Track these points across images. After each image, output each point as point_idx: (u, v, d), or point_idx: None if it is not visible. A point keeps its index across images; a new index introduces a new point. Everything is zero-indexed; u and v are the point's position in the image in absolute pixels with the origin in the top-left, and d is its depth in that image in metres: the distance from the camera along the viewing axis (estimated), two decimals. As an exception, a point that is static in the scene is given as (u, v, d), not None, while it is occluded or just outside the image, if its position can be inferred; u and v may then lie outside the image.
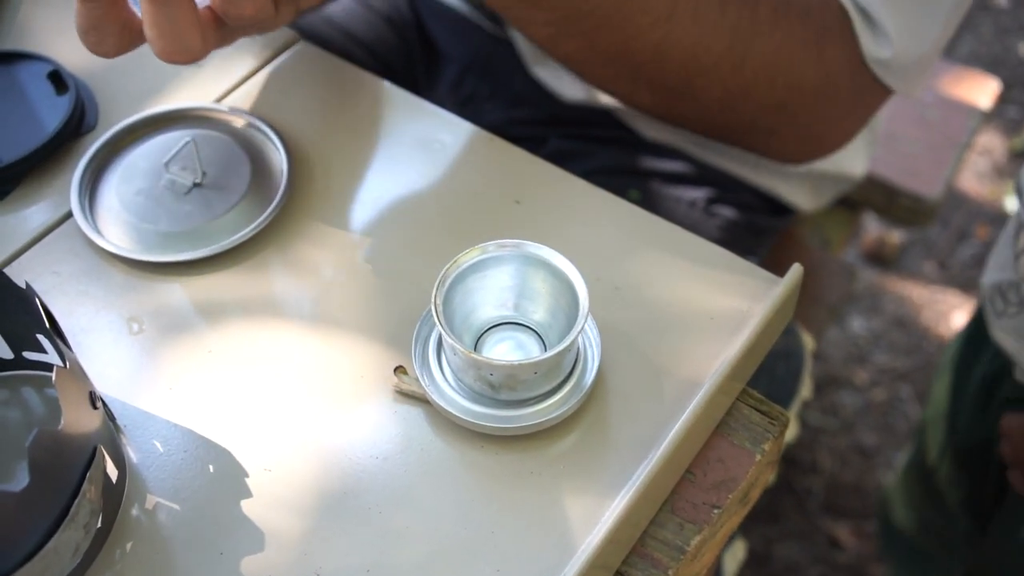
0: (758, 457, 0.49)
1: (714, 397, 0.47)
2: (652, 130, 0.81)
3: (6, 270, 0.54)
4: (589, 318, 0.50)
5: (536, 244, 0.48)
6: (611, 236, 0.55)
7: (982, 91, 1.17)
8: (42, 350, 0.49)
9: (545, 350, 0.49)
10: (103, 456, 0.43)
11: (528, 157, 0.59)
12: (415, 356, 0.49)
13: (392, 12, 0.87)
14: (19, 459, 0.48)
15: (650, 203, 0.79)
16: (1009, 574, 0.79)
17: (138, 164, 0.57)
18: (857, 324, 1.51)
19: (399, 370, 0.49)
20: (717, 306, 0.52)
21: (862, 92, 0.66)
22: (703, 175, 0.81)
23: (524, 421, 0.47)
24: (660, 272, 0.53)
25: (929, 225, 1.24)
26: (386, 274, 0.54)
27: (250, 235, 0.54)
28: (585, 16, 0.58)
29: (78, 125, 0.59)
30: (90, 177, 0.57)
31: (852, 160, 0.85)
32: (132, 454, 0.48)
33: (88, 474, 0.42)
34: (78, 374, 0.43)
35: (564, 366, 0.48)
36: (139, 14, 0.50)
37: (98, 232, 0.55)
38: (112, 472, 0.45)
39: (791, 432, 0.94)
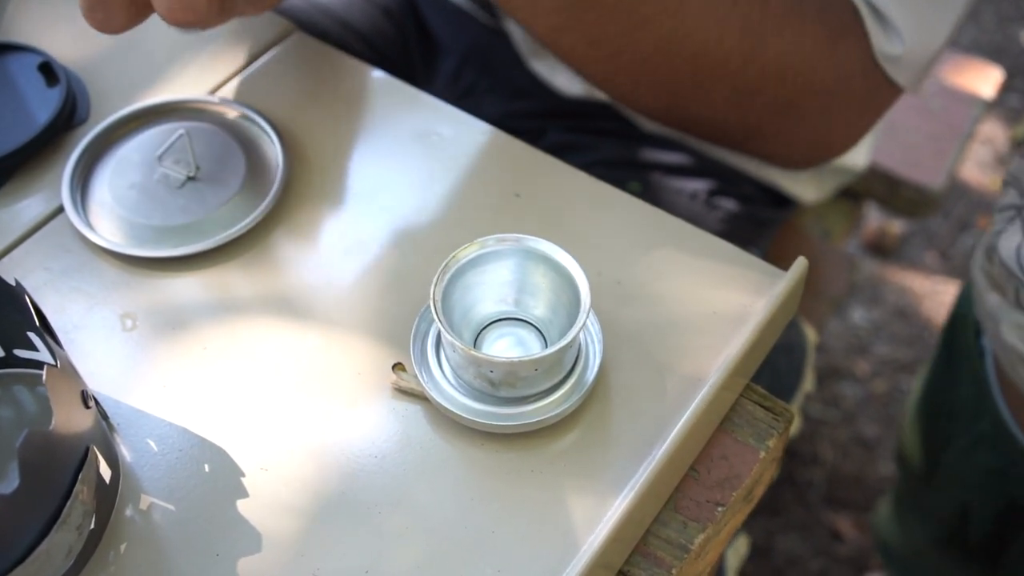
0: (762, 454, 0.48)
1: (718, 393, 0.46)
2: (653, 123, 0.80)
3: (-3, 266, 0.53)
4: (591, 313, 0.49)
5: (536, 238, 0.48)
6: (613, 229, 0.54)
7: (984, 80, 1.16)
8: (34, 348, 0.48)
9: (546, 346, 0.48)
10: (96, 456, 0.43)
11: (528, 149, 0.58)
12: (414, 353, 0.48)
13: (390, 3, 0.86)
14: (10, 460, 0.47)
15: (651, 195, 0.78)
16: None
17: (131, 157, 0.57)
18: (858, 315, 1.51)
19: (397, 367, 0.49)
20: (720, 300, 0.51)
21: (873, 92, 0.65)
22: (704, 167, 0.80)
23: (525, 419, 0.46)
24: (663, 266, 0.53)
25: (931, 215, 1.23)
26: (384, 269, 0.53)
27: (245, 230, 0.54)
28: (592, 3, 0.57)
29: (69, 118, 0.58)
30: (82, 171, 0.56)
31: (854, 152, 0.84)
32: (126, 453, 0.47)
33: (80, 475, 0.41)
34: (69, 373, 0.42)
35: (565, 362, 0.47)
36: None
37: (90, 227, 0.54)
38: (105, 472, 0.44)
39: (794, 425, 0.93)
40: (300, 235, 0.54)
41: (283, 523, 0.45)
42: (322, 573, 0.44)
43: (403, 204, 0.56)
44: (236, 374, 0.49)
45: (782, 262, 0.52)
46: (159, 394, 0.49)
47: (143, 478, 0.46)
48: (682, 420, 0.45)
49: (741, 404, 0.50)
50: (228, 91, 0.61)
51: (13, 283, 0.43)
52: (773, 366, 0.83)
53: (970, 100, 1.15)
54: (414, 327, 0.49)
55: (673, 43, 0.59)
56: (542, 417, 0.46)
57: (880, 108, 0.67)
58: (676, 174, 0.79)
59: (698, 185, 0.79)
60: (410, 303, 0.51)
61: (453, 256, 0.47)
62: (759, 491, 0.51)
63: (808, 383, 0.87)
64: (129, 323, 0.51)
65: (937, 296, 1.54)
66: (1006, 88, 1.76)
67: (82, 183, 0.56)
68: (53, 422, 0.39)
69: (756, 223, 0.82)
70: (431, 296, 0.46)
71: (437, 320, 0.45)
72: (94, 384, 0.49)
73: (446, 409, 0.47)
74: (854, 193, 1.09)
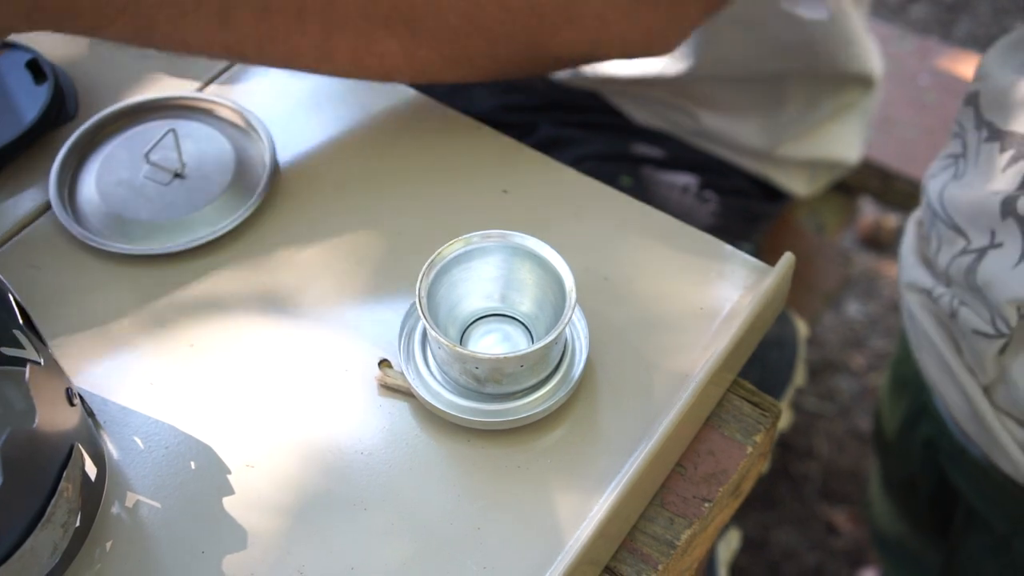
0: (749, 449, 0.48)
1: (705, 389, 0.46)
2: (643, 116, 0.80)
3: (-16, 264, 0.53)
4: (577, 309, 0.49)
5: (521, 234, 0.47)
6: (600, 225, 0.54)
7: (979, 73, 1.16)
8: (20, 346, 0.48)
9: (532, 342, 0.48)
10: (81, 454, 0.43)
11: (516, 145, 0.58)
12: (400, 349, 0.48)
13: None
14: (-4, 457, 0.47)
15: (642, 189, 0.78)
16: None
17: (118, 155, 0.56)
18: (853, 308, 1.51)
19: (384, 364, 0.49)
20: (707, 296, 0.51)
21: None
22: (696, 161, 0.80)
23: (511, 415, 0.46)
24: (650, 262, 0.53)
25: (925, 209, 1.22)
26: (371, 266, 0.53)
27: (232, 226, 0.53)
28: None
29: (57, 115, 0.58)
30: (69, 168, 0.56)
31: (847, 146, 0.84)
32: (112, 451, 0.47)
33: (65, 472, 0.41)
34: (53, 371, 0.42)
35: (551, 358, 0.47)
36: None
37: (77, 224, 0.54)
38: (91, 470, 0.44)
39: (784, 420, 0.93)
40: (287, 232, 0.54)
41: (269, 520, 0.45)
42: (308, 570, 0.43)
43: (390, 200, 0.56)
44: (223, 371, 0.49)
45: (775, 256, 0.51)
46: (145, 391, 0.49)
47: (129, 475, 0.46)
48: (668, 416, 0.45)
49: (728, 399, 0.50)
50: (216, 88, 0.61)
51: (-3, 281, 0.43)
52: (764, 360, 0.83)
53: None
54: (400, 324, 0.49)
55: None
56: (528, 413, 0.46)
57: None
58: (668, 168, 0.79)
59: (690, 179, 0.79)
60: (396, 300, 0.51)
61: (439, 253, 0.47)
62: (747, 486, 0.51)
63: (800, 377, 0.87)
64: (116, 321, 0.51)
65: (933, 289, 1.53)
66: (1002, 81, 1.75)
67: (70, 180, 0.56)
68: (36, 420, 0.39)
69: (748, 217, 0.82)
70: (417, 293, 0.46)
71: (422, 317, 0.45)
72: (80, 381, 0.49)
73: (432, 406, 0.47)
74: (848, 187, 1.09)
